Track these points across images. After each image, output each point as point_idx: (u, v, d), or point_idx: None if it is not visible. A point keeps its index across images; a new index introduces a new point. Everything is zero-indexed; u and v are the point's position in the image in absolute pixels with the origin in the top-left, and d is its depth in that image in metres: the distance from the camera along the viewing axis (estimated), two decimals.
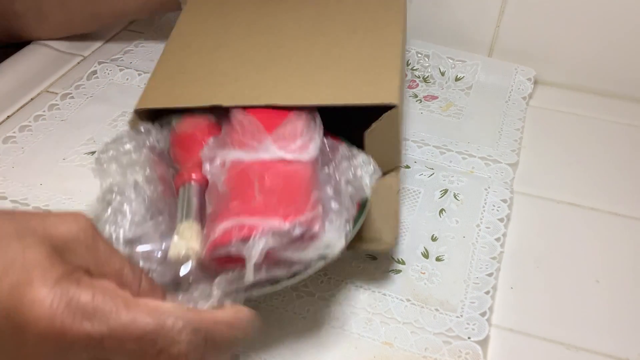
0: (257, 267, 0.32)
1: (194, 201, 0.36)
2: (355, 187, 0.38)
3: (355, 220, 0.38)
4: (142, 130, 0.41)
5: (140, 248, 0.34)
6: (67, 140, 0.53)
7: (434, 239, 0.46)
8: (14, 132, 0.54)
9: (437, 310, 0.41)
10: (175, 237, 0.34)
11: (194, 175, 0.37)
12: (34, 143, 0.53)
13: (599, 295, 0.43)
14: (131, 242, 0.34)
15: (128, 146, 0.39)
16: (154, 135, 0.41)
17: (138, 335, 0.25)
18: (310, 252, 0.34)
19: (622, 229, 0.48)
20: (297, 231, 0.33)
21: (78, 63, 0.63)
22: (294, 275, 0.34)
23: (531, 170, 0.52)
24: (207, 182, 0.37)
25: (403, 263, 0.44)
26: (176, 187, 0.38)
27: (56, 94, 0.58)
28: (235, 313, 0.30)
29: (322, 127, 0.39)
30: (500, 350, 0.39)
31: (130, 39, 0.67)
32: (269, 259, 0.33)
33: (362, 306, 0.41)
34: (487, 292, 0.42)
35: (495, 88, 0.61)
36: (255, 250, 0.32)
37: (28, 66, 0.61)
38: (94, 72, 0.61)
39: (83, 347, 0.25)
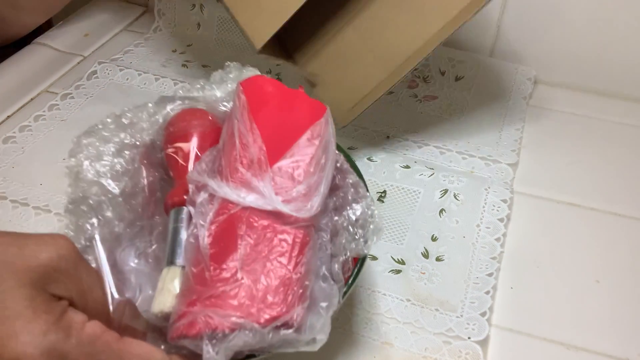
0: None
1: (184, 236, 0.33)
2: (354, 250, 0.34)
3: (348, 285, 0.34)
4: (126, 121, 0.38)
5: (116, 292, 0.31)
6: (67, 140, 0.53)
7: (434, 239, 0.46)
8: (14, 132, 0.54)
9: (437, 310, 0.41)
10: (160, 288, 0.32)
11: (186, 197, 0.34)
12: (34, 143, 0.53)
13: (599, 295, 0.43)
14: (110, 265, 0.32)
15: (109, 147, 0.36)
16: (142, 127, 0.38)
17: None
18: (286, 349, 0.30)
19: (622, 229, 0.48)
20: (276, 336, 0.29)
21: (78, 63, 0.63)
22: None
23: (531, 171, 0.52)
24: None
25: (403, 263, 0.44)
26: (166, 207, 0.35)
27: (56, 94, 0.58)
28: None
29: (334, 153, 0.36)
30: (500, 350, 0.39)
31: (130, 39, 0.67)
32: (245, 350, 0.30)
33: (362, 306, 0.41)
34: (487, 292, 0.42)
35: (496, 88, 0.61)
36: (219, 349, 0.29)
37: (28, 66, 0.61)
38: (94, 72, 0.61)
39: None
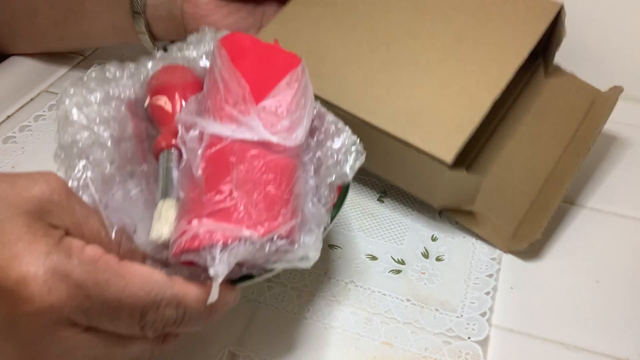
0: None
1: (176, 174, 0.34)
2: (337, 174, 0.36)
3: (335, 209, 0.36)
4: (109, 75, 0.38)
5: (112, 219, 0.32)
6: None
7: (434, 239, 0.46)
8: (14, 132, 0.54)
9: (437, 310, 0.41)
10: (156, 217, 0.32)
11: (174, 141, 0.35)
12: (34, 143, 0.53)
13: (599, 295, 0.43)
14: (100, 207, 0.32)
15: (95, 95, 0.37)
16: (125, 83, 0.38)
17: (129, 306, 0.26)
18: (282, 264, 0.32)
19: (622, 228, 0.48)
20: (273, 247, 0.31)
21: (78, 63, 0.63)
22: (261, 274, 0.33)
23: None
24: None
25: (403, 263, 0.44)
26: (155, 152, 0.36)
27: (56, 94, 0.58)
28: (216, 294, 0.30)
29: (312, 98, 0.37)
30: (500, 350, 0.39)
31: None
32: (243, 266, 0.32)
33: (362, 306, 0.41)
34: (487, 293, 0.42)
35: None
36: (222, 267, 0.29)
37: (28, 66, 0.61)
38: None
39: (78, 319, 0.26)
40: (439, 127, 0.42)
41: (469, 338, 0.39)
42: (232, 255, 0.30)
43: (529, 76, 0.52)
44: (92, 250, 0.27)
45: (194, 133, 0.34)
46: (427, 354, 0.38)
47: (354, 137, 0.37)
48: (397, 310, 0.41)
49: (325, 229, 0.34)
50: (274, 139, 0.33)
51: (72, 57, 0.63)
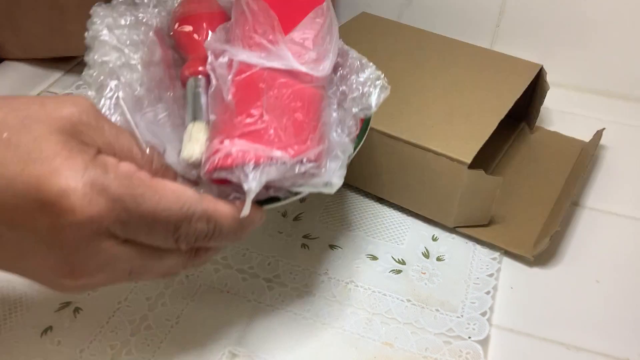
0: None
1: (204, 99, 0.35)
2: (362, 106, 0.37)
3: (357, 141, 0.37)
4: (138, 1, 0.38)
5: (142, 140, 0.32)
6: None
7: (434, 239, 0.46)
8: None
9: (437, 310, 0.41)
10: (187, 138, 0.33)
11: (202, 68, 0.36)
12: None
13: (599, 295, 0.43)
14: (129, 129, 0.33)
15: (125, 18, 0.37)
16: (151, 11, 0.38)
17: (164, 220, 0.28)
18: (308, 188, 0.33)
19: (622, 228, 0.48)
20: (302, 169, 0.32)
21: (78, 63, 0.63)
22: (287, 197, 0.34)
23: None
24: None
25: (403, 263, 0.44)
26: (183, 78, 0.36)
27: (56, 94, 0.58)
28: (246, 212, 0.31)
29: (337, 34, 0.38)
30: (501, 350, 0.39)
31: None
32: (266, 186, 0.32)
33: (363, 306, 0.41)
34: (488, 292, 0.42)
35: None
36: (255, 184, 0.31)
37: (28, 66, 0.61)
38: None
39: (115, 232, 0.27)
40: (454, 136, 0.45)
41: (469, 338, 0.39)
42: (264, 173, 0.31)
43: (516, 135, 0.56)
44: (126, 167, 0.28)
45: (224, 60, 0.35)
46: (427, 354, 0.38)
47: (379, 72, 0.38)
48: (397, 310, 0.41)
49: (348, 157, 0.35)
50: (302, 68, 0.34)
51: (72, 57, 0.63)
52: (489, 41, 0.63)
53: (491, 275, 0.43)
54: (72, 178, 0.25)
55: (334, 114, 0.37)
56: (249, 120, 0.33)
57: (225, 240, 0.31)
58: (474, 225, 0.46)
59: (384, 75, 0.38)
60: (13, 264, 0.28)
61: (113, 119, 0.33)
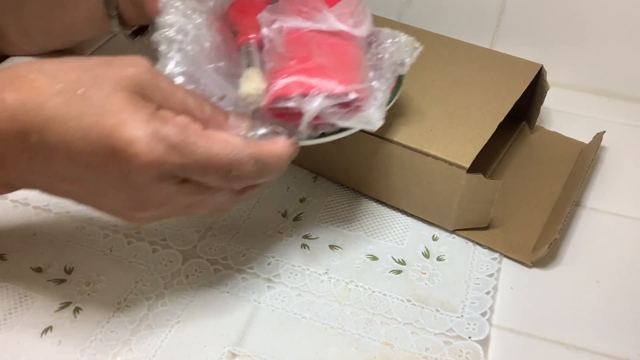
0: (307, 124, 0.37)
1: (256, 55, 0.40)
2: (397, 63, 0.42)
3: (392, 96, 0.42)
4: None
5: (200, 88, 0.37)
6: None
7: (434, 238, 0.46)
8: None
9: (437, 310, 0.41)
10: (244, 79, 0.38)
11: (253, 35, 0.41)
12: None
13: (599, 295, 0.43)
14: (191, 81, 0.37)
15: None
16: None
17: (216, 164, 0.32)
18: (352, 122, 0.38)
19: (622, 228, 0.48)
20: (351, 96, 0.37)
21: None
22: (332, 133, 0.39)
23: None
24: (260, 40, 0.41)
25: (404, 263, 0.44)
26: (238, 43, 0.41)
27: None
28: (285, 148, 0.35)
29: (371, 14, 0.43)
30: (501, 350, 0.39)
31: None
32: (315, 119, 0.37)
33: (363, 306, 0.41)
34: (488, 292, 0.42)
35: None
36: (312, 106, 0.36)
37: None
38: None
39: (174, 173, 0.32)
40: (453, 140, 0.45)
41: (469, 338, 0.39)
42: (319, 100, 0.36)
43: (516, 135, 0.56)
44: (182, 120, 0.32)
45: (274, 27, 0.40)
46: (427, 354, 0.38)
47: (411, 38, 0.43)
48: (397, 310, 0.41)
49: (387, 104, 0.40)
50: (344, 27, 0.40)
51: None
52: (489, 41, 0.63)
53: (491, 275, 0.43)
54: (137, 129, 0.30)
55: (371, 74, 0.41)
56: (302, 63, 0.38)
57: (271, 176, 0.36)
58: (473, 228, 0.46)
59: (415, 41, 0.43)
60: (92, 199, 0.34)
61: (178, 70, 0.37)
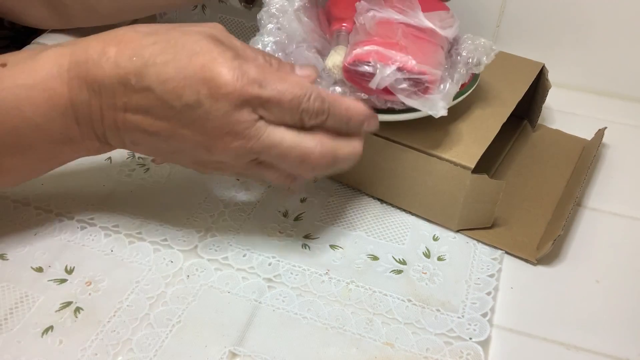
0: (378, 93, 0.41)
1: (346, 40, 0.44)
2: (472, 63, 0.44)
3: (467, 88, 0.46)
4: None
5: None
6: None
7: (435, 238, 0.46)
8: None
9: (438, 310, 0.41)
10: (331, 53, 0.42)
11: (346, 25, 0.45)
12: None
13: (599, 295, 0.43)
14: (282, 51, 0.43)
15: None
16: None
17: (290, 98, 0.36)
18: (417, 103, 0.40)
19: (622, 228, 0.48)
20: (423, 76, 0.40)
21: None
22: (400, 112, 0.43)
23: None
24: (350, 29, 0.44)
25: (404, 263, 0.44)
26: (330, 33, 0.45)
27: None
28: (354, 104, 0.39)
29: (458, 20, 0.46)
30: (501, 350, 0.39)
31: None
32: (385, 91, 0.40)
33: (363, 306, 0.41)
34: (489, 293, 0.42)
35: None
36: (385, 72, 0.39)
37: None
38: None
39: (254, 104, 0.36)
40: (457, 140, 0.45)
41: (470, 339, 0.39)
42: (391, 74, 0.39)
43: (518, 133, 0.56)
44: (260, 62, 0.38)
45: (369, 14, 0.43)
46: (428, 354, 0.38)
47: (490, 42, 0.45)
48: (398, 310, 0.41)
49: (456, 98, 0.44)
50: (431, 25, 0.43)
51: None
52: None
53: (492, 275, 0.44)
54: (225, 64, 0.35)
55: (446, 72, 0.43)
56: (384, 40, 0.41)
57: (339, 124, 0.38)
58: (476, 228, 0.46)
59: (492, 44, 0.45)
60: (174, 143, 0.38)
61: (271, 40, 0.43)
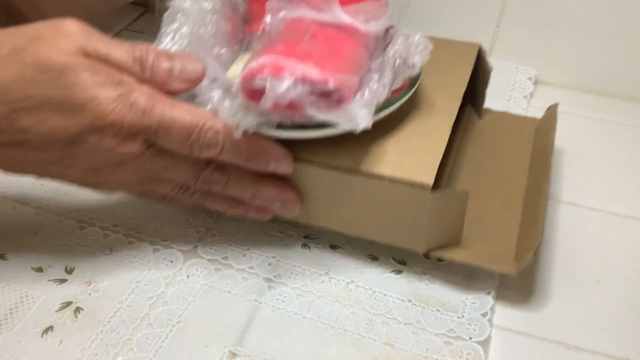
0: (280, 110, 0.34)
1: (257, 45, 0.40)
2: (406, 65, 0.39)
3: (401, 95, 0.40)
4: None
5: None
6: None
7: None
8: None
9: (438, 310, 0.41)
10: (236, 62, 0.39)
11: (263, 27, 0.39)
12: None
13: (599, 295, 0.43)
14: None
15: None
16: None
17: (179, 128, 0.35)
18: (330, 116, 0.35)
19: (622, 228, 0.48)
20: (329, 86, 0.34)
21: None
22: (314, 128, 0.36)
23: None
24: None
25: (404, 264, 0.44)
26: (244, 35, 0.41)
27: None
28: (256, 140, 0.36)
29: (388, 16, 0.41)
30: (501, 350, 0.39)
31: (130, 38, 0.66)
32: (291, 107, 0.34)
33: (363, 307, 0.41)
34: (489, 293, 0.42)
35: (497, 87, 0.61)
36: (279, 87, 0.33)
37: None
38: None
39: (143, 135, 0.35)
40: (407, 154, 0.40)
41: (470, 339, 0.39)
42: (288, 83, 0.33)
43: (464, 124, 0.51)
44: (147, 89, 0.35)
45: (279, 15, 0.39)
46: (428, 354, 0.38)
47: (424, 37, 0.40)
48: (398, 310, 0.41)
49: (382, 109, 0.38)
50: (349, 20, 0.38)
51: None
52: (489, 41, 0.63)
53: (492, 275, 0.44)
54: (108, 100, 0.33)
55: (376, 77, 0.39)
56: (287, 46, 0.36)
57: (235, 158, 0.36)
58: (446, 246, 0.42)
59: (428, 42, 0.40)
60: (63, 170, 0.36)
61: (171, 48, 0.39)
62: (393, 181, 0.38)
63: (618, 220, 0.49)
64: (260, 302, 0.41)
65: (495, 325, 0.40)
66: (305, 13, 0.38)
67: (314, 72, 0.34)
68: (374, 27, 0.39)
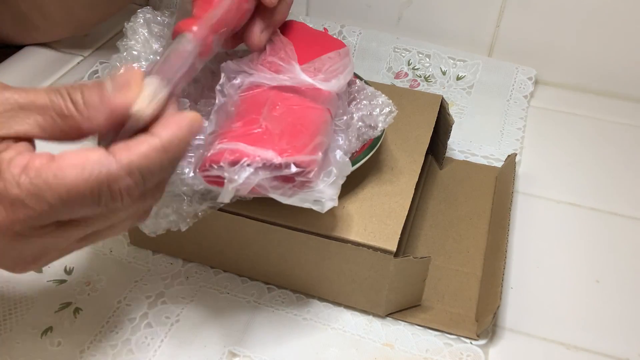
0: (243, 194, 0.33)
1: (172, 58, 0.32)
2: (369, 127, 0.39)
3: (360, 156, 0.39)
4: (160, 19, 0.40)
5: None
6: None
7: None
8: None
9: None
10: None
11: (195, 28, 0.33)
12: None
13: (599, 295, 0.43)
14: None
15: (164, 19, 0.40)
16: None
17: (78, 197, 0.26)
18: (296, 200, 0.32)
19: (622, 229, 0.48)
20: (292, 169, 0.32)
21: (78, 63, 0.63)
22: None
23: (532, 170, 0.52)
24: (209, 48, 0.34)
25: None
26: (174, 33, 0.34)
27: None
28: (169, 135, 0.27)
29: (352, 69, 0.39)
30: (501, 350, 0.39)
31: None
32: (258, 191, 0.32)
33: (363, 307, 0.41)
34: None
35: (497, 87, 0.61)
36: (239, 176, 0.31)
37: (28, 66, 0.61)
38: (95, 72, 0.61)
39: (35, 224, 0.26)
40: (370, 215, 0.39)
41: (470, 341, 0.39)
42: (247, 171, 0.31)
43: (425, 174, 0.51)
44: (20, 160, 0.26)
45: (235, 82, 0.36)
46: (428, 355, 0.38)
47: (389, 100, 0.40)
48: None
49: (353, 164, 0.36)
50: (309, 80, 0.36)
51: (72, 57, 0.63)
52: (488, 41, 0.63)
53: None
54: None
55: (340, 140, 0.37)
56: (246, 126, 0.34)
57: (163, 175, 0.29)
58: (407, 308, 0.41)
59: (392, 103, 0.39)
60: None
61: None
62: (356, 245, 0.37)
63: (618, 220, 0.48)
64: (260, 303, 0.41)
65: (495, 325, 0.40)
66: (263, 77, 0.36)
67: (274, 158, 0.32)
68: (336, 85, 0.37)
